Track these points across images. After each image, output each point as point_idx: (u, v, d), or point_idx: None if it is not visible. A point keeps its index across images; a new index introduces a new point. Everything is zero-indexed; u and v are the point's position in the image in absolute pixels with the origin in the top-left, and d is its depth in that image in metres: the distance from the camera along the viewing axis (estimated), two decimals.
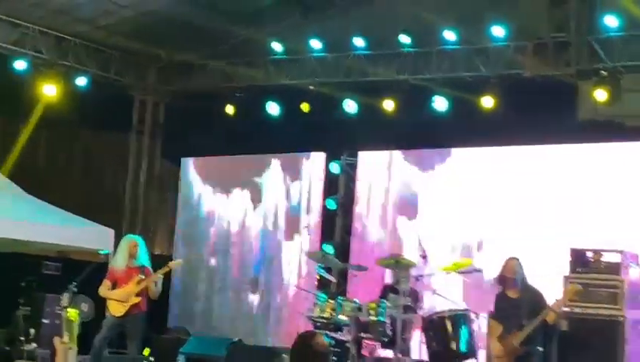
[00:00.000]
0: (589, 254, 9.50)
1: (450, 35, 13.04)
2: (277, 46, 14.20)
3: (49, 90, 13.83)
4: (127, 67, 15.17)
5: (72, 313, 11.77)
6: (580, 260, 9.47)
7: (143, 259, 11.12)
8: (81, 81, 14.30)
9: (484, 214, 13.20)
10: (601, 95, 12.21)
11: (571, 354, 9.06)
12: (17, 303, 13.22)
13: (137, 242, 11.18)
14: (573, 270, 9.44)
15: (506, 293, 9.05)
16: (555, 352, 9.01)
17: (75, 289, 11.44)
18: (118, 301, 10.91)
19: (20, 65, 13.69)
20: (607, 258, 9.41)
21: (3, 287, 13.78)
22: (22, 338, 12.93)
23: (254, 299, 14.55)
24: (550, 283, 9.52)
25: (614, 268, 9.27)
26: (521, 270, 9.02)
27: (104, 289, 11.06)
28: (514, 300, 8.96)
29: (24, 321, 13.09)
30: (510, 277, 9.01)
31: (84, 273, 11.42)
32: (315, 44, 13.95)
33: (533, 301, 8.86)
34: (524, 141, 13.04)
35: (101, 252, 12.39)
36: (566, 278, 9.35)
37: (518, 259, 9.16)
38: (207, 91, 15.06)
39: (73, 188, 15.26)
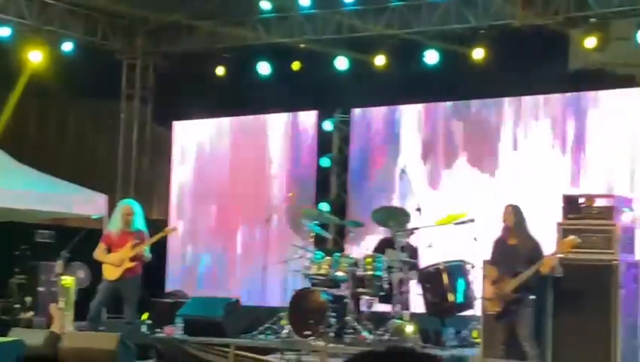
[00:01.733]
0: (582, 200, 9.42)
1: None
2: (265, 4, 14.04)
3: (35, 57, 13.70)
4: (113, 31, 15.01)
5: (68, 280, 11.80)
6: (572, 206, 9.39)
7: (139, 223, 11.11)
8: (67, 47, 14.18)
9: (480, 163, 13.15)
10: (590, 43, 12.14)
11: (566, 300, 9.02)
12: (12, 272, 13.22)
13: (133, 207, 11.18)
14: (565, 216, 9.37)
15: (505, 240, 9.02)
16: (551, 299, 8.98)
17: (68, 256, 11.42)
18: (113, 265, 10.90)
19: (3, 32, 13.54)
20: (599, 203, 9.34)
21: None
22: (18, 307, 12.94)
23: (251, 258, 14.53)
24: (543, 229, 9.44)
25: (607, 213, 9.19)
26: (516, 217, 8.98)
27: (98, 253, 11.08)
28: (511, 246, 8.94)
29: (19, 290, 13.09)
30: (504, 225, 8.98)
31: (76, 239, 11.37)
32: (304, 1, 13.80)
33: (531, 249, 8.85)
34: (516, 92, 12.98)
35: (93, 217, 12.35)
36: (559, 225, 9.30)
37: (512, 206, 9.12)
38: (197, 53, 14.94)
39: (65, 156, 15.21)
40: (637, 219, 9.45)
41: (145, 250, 10.97)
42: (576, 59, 13.26)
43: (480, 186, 13.08)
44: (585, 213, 9.31)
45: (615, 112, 12.25)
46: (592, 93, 12.60)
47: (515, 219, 8.95)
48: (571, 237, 8.86)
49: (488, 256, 9.50)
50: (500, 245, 9.10)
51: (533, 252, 8.85)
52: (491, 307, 8.93)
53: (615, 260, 8.96)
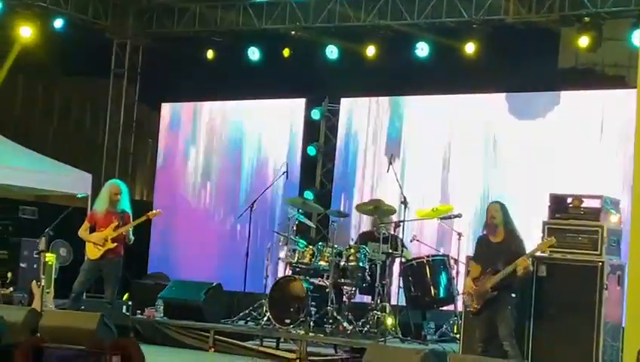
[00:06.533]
0: (569, 200, 9.42)
1: None
2: None
3: (25, 32, 13.60)
4: (105, 10, 14.92)
5: (50, 257, 11.76)
6: (559, 206, 9.38)
7: (125, 204, 11.10)
8: (58, 24, 14.07)
9: (465, 160, 13.15)
10: (583, 42, 12.16)
11: (549, 300, 9.03)
12: None
13: (120, 187, 11.17)
14: (552, 216, 9.37)
15: (488, 237, 9.01)
16: (532, 298, 9.00)
17: (52, 233, 11.37)
18: (95, 244, 10.89)
19: None
20: (587, 204, 9.34)
21: None
22: None
23: (233, 244, 14.50)
24: (530, 228, 9.45)
25: (594, 214, 9.19)
26: (502, 215, 8.95)
27: (82, 231, 11.10)
28: (494, 244, 8.93)
29: (1, 265, 13.02)
30: (490, 222, 8.97)
31: (61, 217, 11.32)
32: None
33: (514, 248, 8.83)
34: (505, 88, 12.99)
35: (79, 195, 12.30)
36: (545, 223, 9.29)
37: (499, 203, 9.10)
38: (188, 35, 14.89)
39: (51, 133, 15.14)
40: (623, 221, 9.45)
41: (129, 232, 10.95)
42: (567, 58, 13.31)
43: (466, 181, 13.09)
44: (572, 213, 9.31)
45: (605, 113, 12.25)
46: (581, 93, 12.60)
47: (502, 216, 8.93)
48: (550, 239, 8.86)
49: (472, 252, 9.49)
50: (482, 242, 9.09)
51: (517, 250, 8.84)
52: (470, 303, 8.93)
53: (600, 261, 8.98)
